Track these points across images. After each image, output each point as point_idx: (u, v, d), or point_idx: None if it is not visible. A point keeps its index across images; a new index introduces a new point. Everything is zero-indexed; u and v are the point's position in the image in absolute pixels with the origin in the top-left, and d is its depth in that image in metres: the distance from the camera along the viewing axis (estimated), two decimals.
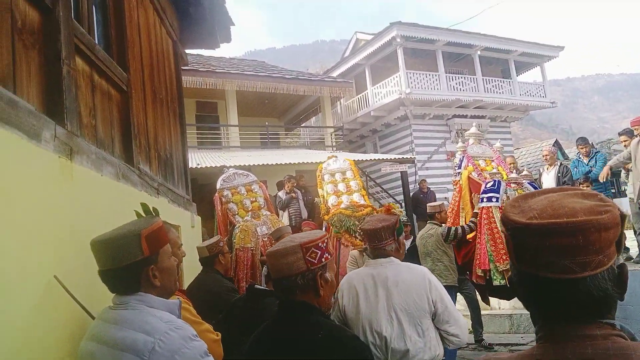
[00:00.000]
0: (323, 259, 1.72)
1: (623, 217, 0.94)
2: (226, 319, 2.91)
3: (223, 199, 6.37)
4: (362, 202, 6.15)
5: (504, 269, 5.45)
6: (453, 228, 5.95)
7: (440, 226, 6.01)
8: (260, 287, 3.07)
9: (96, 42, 2.95)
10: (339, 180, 6.36)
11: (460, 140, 7.45)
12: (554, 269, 0.91)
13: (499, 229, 5.61)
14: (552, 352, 0.93)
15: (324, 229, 6.23)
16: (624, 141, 6.79)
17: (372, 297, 2.47)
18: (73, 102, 2.33)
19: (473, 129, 7.27)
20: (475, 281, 5.93)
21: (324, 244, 1.74)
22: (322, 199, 6.53)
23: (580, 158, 8.09)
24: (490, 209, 5.70)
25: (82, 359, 1.57)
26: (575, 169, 8.04)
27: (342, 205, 5.97)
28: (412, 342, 2.37)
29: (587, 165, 7.84)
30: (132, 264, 1.60)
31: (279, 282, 1.72)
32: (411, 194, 13.77)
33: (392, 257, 2.57)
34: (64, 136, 2.10)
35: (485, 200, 5.78)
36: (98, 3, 3.21)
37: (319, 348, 1.59)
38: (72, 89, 2.33)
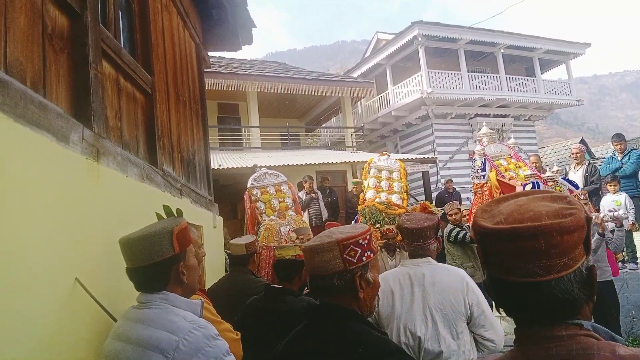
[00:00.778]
0: (364, 258, 1.51)
1: (589, 219, 0.94)
2: (243, 320, 2.78)
3: (252, 197, 6.48)
4: (399, 203, 6.17)
5: None
6: (456, 230, 5.90)
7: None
8: (277, 285, 3.04)
9: (122, 46, 3.01)
10: (384, 178, 6.40)
11: (476, 141, 7.40)
12: (519, 273, 0.92)
13: None
14: (520, 356, 0.95)
15: (353, 222, 6.28)
16: None
17: (407, 296, 2.45)
18: (100, 105, 2.38)
19: (484, 129, 7.23)
20: None
21: (366, 241, 1.53)
22: (362, 189, 6.59)
23: (615, 155, 7.94)
24: None
25: (107, 357, 1.60)
26: (608, 165, 7.91)
27: (377, 200, 6.01)
28: (445, 344, 2.34)
29: (620, 162, 7.69)
30: (163, 260, 1.64)
31: (314, 280, 1.56)
32: (435, 193, 13.66)
33: (429, 258, 2.56)
34: (91, 138, 2.15)
35: None
36: (124, 8, 3.28)
37: None
38: (99, 92, 2.39)
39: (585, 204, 5.57)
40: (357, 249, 1.50)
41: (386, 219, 5.74)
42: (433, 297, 2.40)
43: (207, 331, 1.54)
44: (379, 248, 5.62)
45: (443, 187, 13.13)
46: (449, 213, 6.10)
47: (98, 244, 2.06)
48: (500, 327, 2.53)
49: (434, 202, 13.21)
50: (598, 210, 6.76)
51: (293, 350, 1.55)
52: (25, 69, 1.81)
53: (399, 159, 15.07)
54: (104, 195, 2.20)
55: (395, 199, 6.10)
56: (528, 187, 5.82)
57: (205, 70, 6.03)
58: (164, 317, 1.55)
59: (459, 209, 6.13)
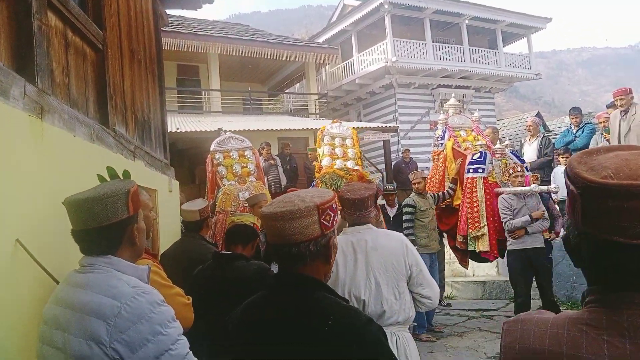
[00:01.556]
0: (335, 222, 1.47)
1: None
2: (192, 289, 2.66)
3: (214, 161, 6.38)
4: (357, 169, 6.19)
5: (475, 235, 5.67)
6: (437, 194, 6.17)
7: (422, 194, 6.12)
8: (225, 252, 3.00)
9: None
10: (337, 145, 6.38)
11: (443, 111, 7.50)
12: (627, 233, 0.85)
13: (478, 198, 5.76)
14: (604, 318, 0.89)
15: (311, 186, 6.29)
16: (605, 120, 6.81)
17: (351, 263, 2.53)
18: (44, 59, 2.25)
19: (452, 100, 7.34)
20: (458, 246, 6.15)
21: (335, 204, 1.49)
22: (317, 157, 6.57)
23: (570, 128, 8.19)
24: (475, 179, 5.86)
25: (46, 323, 1.54)
26: (563, 138, 8.16)
27: (336, 166, 6.01)
28: (388, 305, 2.46)
29: (574, 134, 7.94)
30: (118, 222, 1.59)
31: (283, 248, 1.42)
32: (395, 162, 13.83)
33: (369, 224, 2.64)
34: (34, 94, 2.04)
35: (471, 171, 5.94)
36: None
37: (331, 338, 1.30)
38: (44, 45, 2.25)
39: (517, 176, 5.74)
40: (331, 213, 1.46)
41: (345, 185, 5.77)
42: (376, 260, 2.50)
43: (151, 297, 1.50)
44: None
45: (401, 157, 13.32)
46: (414, 181, 6.19)
47: (42, 205, 1.97)
48: (436, 285, 2.68)
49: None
50: (549, 182, 7.02)
51: (250, 319, 1.47)
52: None
53: (359, 127, 15.18)
54: (49, 155, 2.10)
55: (350, 165, 6.12)
56: (476, 157, 5.97)
57: (163, 29, 5.80)
58: (106, 282, 1.50)
59: (424, 178, 6.22)
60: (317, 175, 6.09)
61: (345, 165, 6.04)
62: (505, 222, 5.53)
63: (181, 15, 16.11)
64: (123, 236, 1.63)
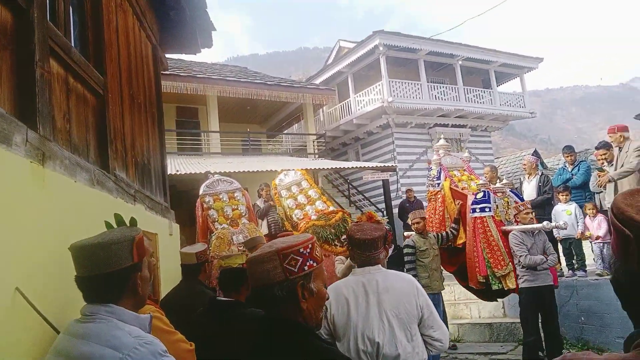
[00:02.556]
0: (306, 267, 1.49)
1: None
2: (191, 335, 2.58)
3: (204, 205, 6.29)
4: (327, 208, 6.10)
5: (502, 274, 5.64)
6: (441, 234, 6.15)
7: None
8: (222, 298, 2.94)
9: (72, 44, 2.88)
10: (297, 193, 6.28)
11: (434, 151, 7.56)
12: None
13: (495, 237, 5.75)
14: None
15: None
16: (603, 154, 6.82)
17: (362, 304, 2.49)
18: (46, 105, 2.26)
19: (442, 141, 7.42)
20: (474, 287, 6.09)
21: (307, 250, 1.52)
22: (284, 215, 6.40)
23: (565, 166, 8.22)
24: (484, 218, 5.86)
25: None
26: (559, 176, 8.18)
27: (313, 217, 5.90)
28: (402, 347, 2.42)
29: (570, 172, 7.97)
30: (122, 269, 1.57)
31: (256, 291, 1.53)
32: (395, 202, 13.79)
33: (379, 265, 2.63)
34: (36, 140, 2.04)
35: (478, 210, 5.95)
36: (75, 5, 3.14)
37: None
38: (46, 92, 2.27)
39: (528, 213, 5.78)
40: (298, 257, 1.49)
41: (332, 230, 5.61)
42: (388, 302, 2.47)
43: (153, 347, 1.46)
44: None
45: (404, 196, 13.24)
46: (413, 221, 6.15)
47: (43, 252, 1.95)
48: (445, 328, 2.66)
49: (396, 210, 13.34)
50: (550, 220, 7.00)
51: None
52: None
53: (357, 166, 15.20)
54: (50, 201, 2.08)
55: (320, 205, 6.04)
56: (479, 196, 6.00)
57: (163, 72, 5.88)
58: (107, 332, 1.46)
59: (423, 218, 6.18)
60: (295, 233, 5.99)
61: (315, 208, 5.96)
62: (522, 257, 5.51)
63: (180, 59, 16.42)
64: (126, 284, 1.61)
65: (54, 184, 2.14)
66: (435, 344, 2.55)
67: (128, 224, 1.83)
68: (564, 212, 7.40)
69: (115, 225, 1.80)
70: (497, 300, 7.12)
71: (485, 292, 6.24)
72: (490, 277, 5.74)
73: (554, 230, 5.99)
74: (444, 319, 6.60)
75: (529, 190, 8.01)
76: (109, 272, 1.55)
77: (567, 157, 8.16)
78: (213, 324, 2.71)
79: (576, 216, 7.32)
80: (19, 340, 1.71)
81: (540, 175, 8.04)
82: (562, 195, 7.52)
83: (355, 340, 2.43)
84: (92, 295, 1.58)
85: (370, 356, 2.40)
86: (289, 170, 6.77)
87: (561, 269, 7.48)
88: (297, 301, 1.49)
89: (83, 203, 2.50)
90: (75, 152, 2.66)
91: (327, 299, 1.64)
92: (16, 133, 1.88)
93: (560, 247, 7.56)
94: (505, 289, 5.72)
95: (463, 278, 6.29)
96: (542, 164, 18.97)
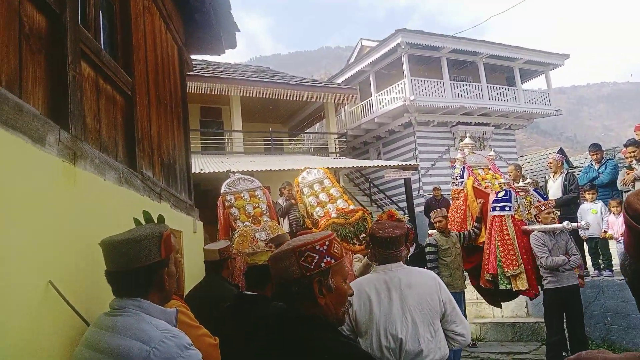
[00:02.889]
0: (322, 264, 1.51)
1: None
2: (215, 330, 2.66)
3: (226, 203, 6.37)
4: (348, 207, 6.12)
5: (512, 274, 5.57)
6: (463, 233, 6.13)
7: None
8: (248, 292, 2.97)
9: (102, 47, 2.97)
10: (319, 191, 6.31)
11: (458, 150, 7.51)
12: None
13: (510, 236, 5.69)
14: None
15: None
16: (632, 152, 6.68)
17: (385, 300, 2.51)
18: (78, 106, 2.34)
19: (467, 140, 7.35)
20: (483, 285, 6.04)
21: (324, 247, 1.53)
22: (305, 212, 6.43)
23: (592, 164, 8.08)
24: (503, 217, 5.82)
25: None
26: (585, 174, 8.05)
27: (333, 215, 5.92)
28: (425, 343, 2.43)
29: (597, 171, 7.83)
30: (150, 265, 1.63)
31: (277, 288, 1.58)
32: (417, 200, 13.70)
33: (401, 262, 2.66)
34: (68, 140, 2.11)
35: (498, 209, 5.91)
36: (105, 9, 3.24)
37: None
38: (77, 93, 2.35)
39: (549, 213, 5.70)
40: (315, 255, 1.51)
41: (351, 229, 5.62)
42: (411, 298, 2.49)
43: (179, 341, 1.51)
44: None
45: (431, 195, 13.12)
46: (435, 220, 6.14)
47: (74, 248, 2.02)
48: (467, 323, 2.69)
49: (418, 209, 13.26)
50: (576, 219, 6.90)
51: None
52: (1, 69, 1.78)
53: (379, 165, 15.13)
54: (81, 199, 2.16)
55: (341, 204, 6.06)
56: (501, 195, 5.94)
57: (187, 73, 5.98)
58: (135, 326, 1.52)
59: (444, 216, 6.17)
60: (315, 231, 6.02)
61: (336, 206, 5.98)
62: (543, 259, 5.43)
63: (204, 59, 16.62)
64: (154, 279, 1.66)
65: (84, 182, 2.22)
66: (458, 338, 2.57)
67: (155, 221, 1.89)
68: (590, 211, 7.28)
69: (143, 222, 1.86)
70: (500, 307, 7.08)
71: (492, 294, 6.18)
72: (499, 276, 5.70)
73: (580, 229, 5.88)
74: (465, 316, 6.57)
75: (554, 189, 7.90)
76: (137, 267, 1.60)
77: (594, 155, 8.02)
78: (237, 319, 2.76)
79: (602, 215, 7.20)
80: (51, 332, 1.78)
81: (566, 174, 7.92)
82: (589, 194, 7.41)
83: (378, 336, 2.45)
84: (121, 289, 1.64)
85: (393, 352, 2.42)
86: (312, 168, 6.82)
87: (587, 269, 7.36)
88: (314, 297, 1.51)
89: (112, 201, 2.58)
90: (104, 151, 2.75)
91: (351, 294, 1.66)
92: (49, 133, 1.96)
93: (586, 246, 7.44)
94: (515, 289, 5.66)
95: (476, 277, 6.26)
96: (568, 162, 18.60)
